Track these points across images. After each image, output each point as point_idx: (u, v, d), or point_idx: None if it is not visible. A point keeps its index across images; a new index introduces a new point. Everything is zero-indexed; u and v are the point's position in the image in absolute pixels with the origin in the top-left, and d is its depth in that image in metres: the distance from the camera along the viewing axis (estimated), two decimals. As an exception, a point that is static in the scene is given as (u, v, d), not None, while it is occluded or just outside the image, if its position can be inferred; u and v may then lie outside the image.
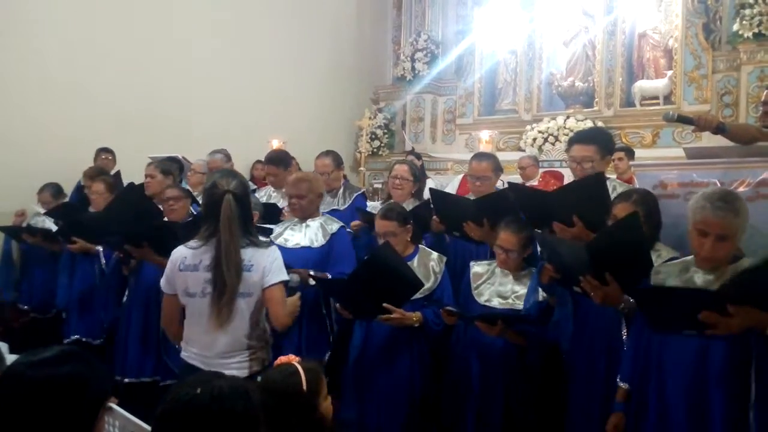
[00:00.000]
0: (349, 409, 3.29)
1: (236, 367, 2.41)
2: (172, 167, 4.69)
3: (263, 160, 4.97)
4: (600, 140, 3.12)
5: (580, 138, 3.20)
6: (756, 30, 6.92)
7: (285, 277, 2.52)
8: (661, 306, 2.15)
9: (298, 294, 2.71)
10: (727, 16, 7.45)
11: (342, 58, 9.55)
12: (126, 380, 3.72)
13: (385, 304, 2.96)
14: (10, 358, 1.87)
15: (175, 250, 2.55)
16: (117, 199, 4.02)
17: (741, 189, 2.57)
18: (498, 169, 3.73)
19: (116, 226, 3.72)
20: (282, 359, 2.09)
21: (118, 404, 1.86)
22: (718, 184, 2.62)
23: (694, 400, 2.12)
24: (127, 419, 1.88)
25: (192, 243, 2.48)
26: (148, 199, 4.14)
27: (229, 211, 2.39)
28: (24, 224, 5.24)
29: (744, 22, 6.99)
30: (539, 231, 2.87)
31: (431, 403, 3.22)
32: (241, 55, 7.97)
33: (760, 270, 1.94)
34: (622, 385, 2.41)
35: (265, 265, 2.45)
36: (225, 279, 2.35)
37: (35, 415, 1.40)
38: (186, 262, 2.45)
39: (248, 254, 2.43)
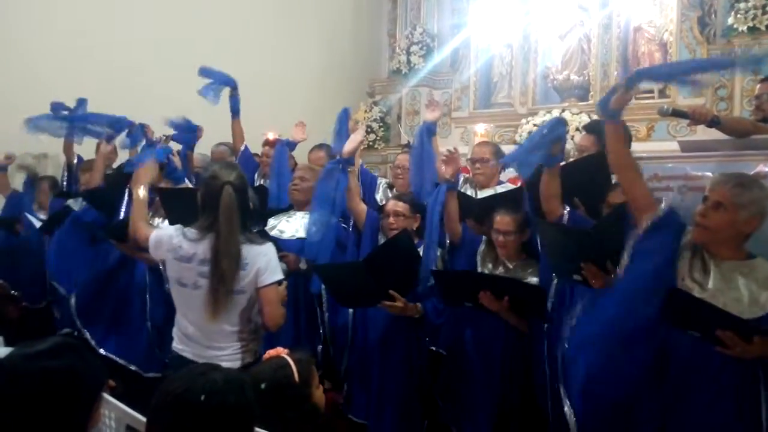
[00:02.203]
0: (359, 410, 3.29)
1: (228, 359, 2.39)
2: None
3: (262, 144, 4.99)
4: (600, 131, 3.15)
5: (585, 127, 3.32)
6: (751, 24, 6.92)
7: (280, 276, 2.51)
8: (679, 309, 2.10)
9: (284, 284, 2.73)
10: (722, 10, 7.45)
11: (337, 51, 9.51)
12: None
13: (391, 291, 2.95)
14: (4, 351, 1.87)
15: (172, 230, 2.49)
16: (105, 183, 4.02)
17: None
18: (499, 154, 3.77)
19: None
20: (271, 352, 2.09)
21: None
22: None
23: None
24: (123, 411, 1.88)
25: (189, 233, 2.45)
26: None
27: (229, 202, 2.35)
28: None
29: (739, 15, 6.99)
30: (541, 221, 2.87)
31: (428, 394, 3.23)
32: (235, 48, 7.91)
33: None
34: None
35: (260, 265, 2.43)
36: (224, 272, 2.32)
37: (31, 407, 1.40)
38: (181, 252, 2.42)
39: (244, 251, 2.40)
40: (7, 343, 3.52)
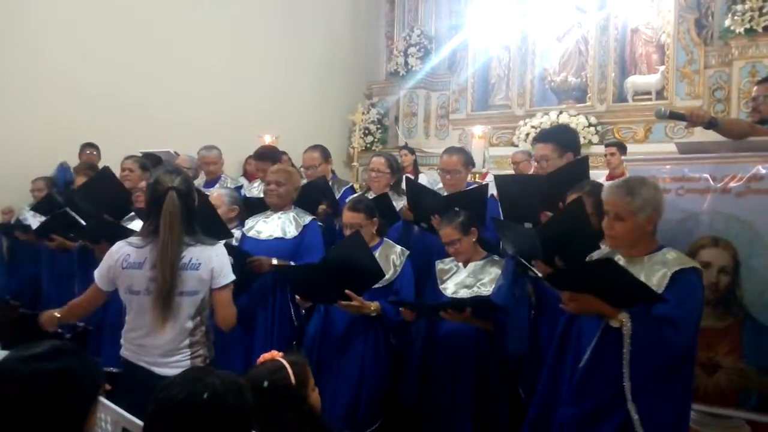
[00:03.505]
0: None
1: (176, 366, 2.37)
2: (153, 163, 4.72)
3: (253, 156, 4.99)
4: (557, 138, 3.24)
5: (538, 137, 3.44)
6: (748, 25, 6.94)
7: (233, 277, 2.50)
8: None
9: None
10: (719, 12, 7.47)
11: (335, 53, 9.52)
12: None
13: (347, 291, 3.01)
14: (0, 354, 1.86)
15: (115, 246, 2.49)
16: (89, 183, 4.06)
17: (732, 184, 2.58)
18: (469, 163, 3.82)
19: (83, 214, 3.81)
20: (265, 356, 2.08)
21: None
22: (710, 179, 2.64)
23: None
24: (120, 414, 1.87)
25: (135, 240, 2.45)
26: (121, 186, 4.16)
27: (171, 207, 2.35)
28: (12, 221, 5.23)
29: (736, 17, 7.01)
30: (497, 219, 3.02)
31: (387, 393, 3.27)
32: (233, 50, 7.93)
33: (587, 266, 2.22)
34: None
35: (214, 266, 2.43)
36: (161, 277, 2.32)
37: (27, 410, 1.40)
38: (130, 260, 2.41)
39: (195, 252, 2.40)
40: (3, 348, 3.51)
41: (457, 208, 3.19)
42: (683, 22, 7.66)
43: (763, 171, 2.52)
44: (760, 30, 6.90)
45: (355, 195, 4.00)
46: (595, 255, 2.46)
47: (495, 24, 9.09)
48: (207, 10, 7.70)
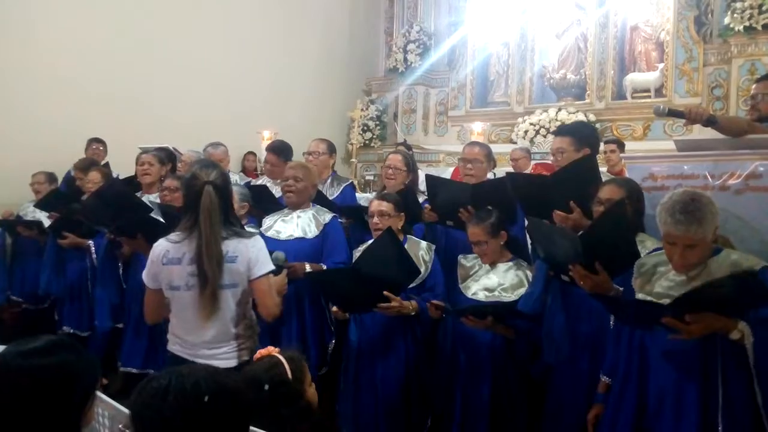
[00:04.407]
0: (345, 402, 3.29)
1: (224, 358, 2.40)
2: (169, 156, 4.67)
3: (266, 147, 4.93)
4: (576, 133, 3.18)
5: (557, 131, 3.34)
6: (747, 23, 6.94)
7: (271, 267, 2.50)
8: (627, 312, 2.22)
9: (284, 272, 2.71)
10: (719, 9, 7.47)
11: (334, 49, 9.51)
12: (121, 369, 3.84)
13: (385, 292, 2.93)
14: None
15: (156, 244, 2.51)
16: (101, 192, 3.98)
17: (731, 181, 2.58)
18: (490, 157, 3.75)
19: (108, 218, 3.69)
20: (262, 352, 2.08)
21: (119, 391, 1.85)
22: (709, 177, 2.63)
23: (673, 398, 2.12)
24: (117, 409, 1.87)
25: (173, 236, 2.45)
26: (132, 194, 4.05)
27: (209, 202, 2.35)
28: (14, 215, 5.23)
29: (735, 15, 7.01)
30: (533, 218, 2.86)
31: (426, 391, 3.23)
32: (232, 46, 7.92)
33: (713, 285, 1.97)
34: (604, 378, 2.44)
35: (250, 257, 2.42)
36: (206, 271, 2.32)
37: (24, 404, 1.40)
38: (169, 256, 2.42)
39: (231, 245, 2.40)
40: (3, 343, 3.51)
41: (489, 207, 3.07)
42: (683, 19, 7.66)
43: (762, 169, 2.52)
44: (759, 28, 6.91)
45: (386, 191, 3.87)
46: (642, 260, 2.36)
47: (494, 21, 9.09)
48: (206, 6, 7.68)
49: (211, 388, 1.38)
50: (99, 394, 1.65)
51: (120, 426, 1.82)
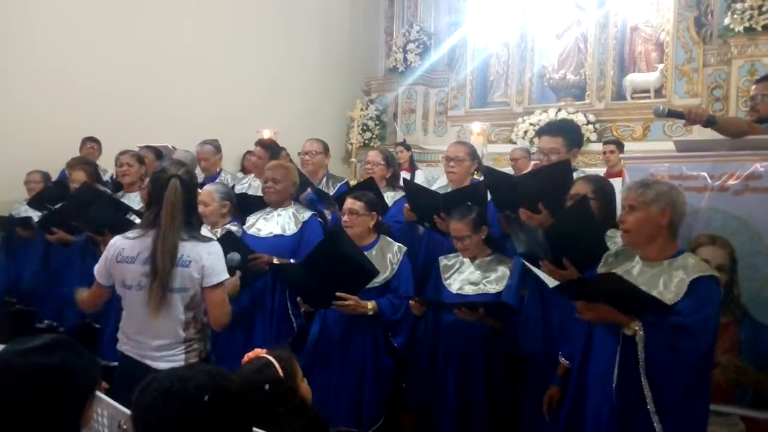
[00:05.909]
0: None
1: (171, 360, 2.36)
2: (157, 155, 4.68)
3: (255, 143, 4.93)
4: (567, 133, 3.20)
5: (548, 129, 3.34)
6: (747, 24, 6.94)
7: (226, 276, 2.47)
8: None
9: (238, 274, 2.73)
10: (719, 10, 7.48)
11: (334, 48, 9.50)
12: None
13: (338, 293, 2.98)
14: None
15: (112, 241, 2.49)
16: (74, 193, 4.05)
17: (730, 182, 2.58)
18: (474, 155, 3.78)
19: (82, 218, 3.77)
20: (250, 355, 2.07)
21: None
22: (708, 177, 2.64)
23: (602, 385, 2.25)
24: (116, 408, 1.87)
25: (130, 233, 2.42)
26: (101, 193, 4.12)
27: (173, 194, 2.32)
28: (7, 214, 5.22)
29: (735, 16, 7.01)
30: (507, 213, 2.97)
31: (390, 392, 3.26)
32: (231, 45, 7.91)
33: (596, 280, 2.21)
34: (562, 360, 2.59)
35: (205, 264, 2.38)
36: (157, 263, 2.29)
37: (24, 403, 1.39)
38: (124, 254, 2.40)
39: (187, 249, 2.36)
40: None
41: (470, 203, 3.15)
42: (683, 20, 7.66)
43: (761, 169, 2.52)
44: (759, 29, 6.91)
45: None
46: (612, 251, 2.44)
47: (494, 21, 9.08)
48: (205, 5, 7.67)
49: (213, 391, 1.38)
50: (98, 394, 1.64)
51: (120, 423, 1.81)
